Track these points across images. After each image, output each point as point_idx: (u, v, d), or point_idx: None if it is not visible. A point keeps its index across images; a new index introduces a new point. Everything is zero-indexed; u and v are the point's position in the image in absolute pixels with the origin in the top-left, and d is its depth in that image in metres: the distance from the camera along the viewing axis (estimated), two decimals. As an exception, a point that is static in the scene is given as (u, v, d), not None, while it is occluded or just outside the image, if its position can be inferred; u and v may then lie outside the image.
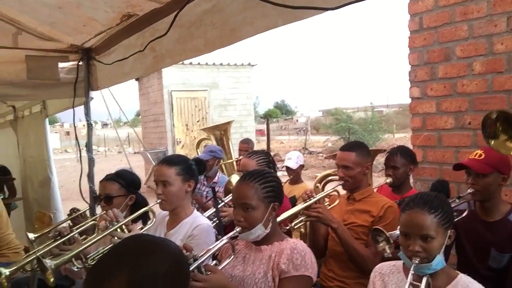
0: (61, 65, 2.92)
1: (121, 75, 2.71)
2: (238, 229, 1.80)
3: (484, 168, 2.13)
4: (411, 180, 3.21)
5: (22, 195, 5.26)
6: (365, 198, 2.48)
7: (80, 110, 3.20)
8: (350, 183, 2.47)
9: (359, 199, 2.48)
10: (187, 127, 11.84)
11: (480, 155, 2.17)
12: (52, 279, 1.80)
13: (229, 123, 5.59)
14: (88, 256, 2.02)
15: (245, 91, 12.74)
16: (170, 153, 11.18)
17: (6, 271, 1.93)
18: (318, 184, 3.37)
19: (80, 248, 1.91)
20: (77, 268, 2.00)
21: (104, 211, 2.24)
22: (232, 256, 1.81)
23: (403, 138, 21.57)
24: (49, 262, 1.78)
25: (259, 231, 1.77)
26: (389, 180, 2.91)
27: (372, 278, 1.79)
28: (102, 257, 0.96)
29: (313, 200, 2.32)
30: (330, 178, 3.43)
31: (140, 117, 12.13)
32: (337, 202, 2.51)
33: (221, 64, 12.43)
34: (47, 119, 4.48)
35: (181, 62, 11.42)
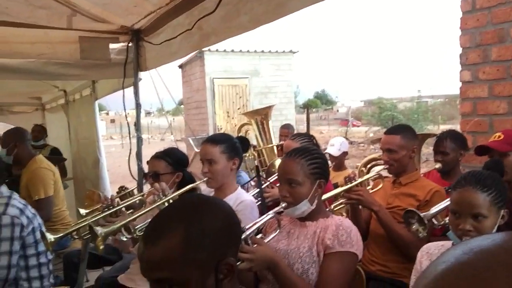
0: (111, 46, 3.03)
1: (169, 55, 2.76)
2: (283, 205, 1.82)
3: (504, 147, 2.20)
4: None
5: (73, 175, 5.52)
6: (411, 183, 2.42)
7: (126, 94, 3.28)
8: (395, 167, 2.42)
9: (405, 183, 2.42)
10: (228, 114, 11.95)
11: (499, 136, 2.28)
12: (102, 246, 1.89)
13: (269, 107, 5.57)
14: (136, 227, 2.10)
15: (286, 79, 12.65)
16: (211, 140, 11.28)
17: (51, 237, 2.05)
18: (363, 168, 3.32)
19: (130, 219, 1.99)
20: (126, 238, 2.08)
21: (152, 187, 2.30)
22: (278, 230, 1.82)
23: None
24: (99, 230, 1.87)
25: (305, 207, 1.78)
26: (438, 165, 2.81)
27: (419, 257, 1.76)
28: (160, 213, 1.01)
29: (354, 183, 2.29)
30: (375, 162, 3.37)
31: (182, 106, 12.32)
32: (380, 186, 2.47)
33: (262, 51, 12.39)
34: (96, 102, 4.64)
35: (223, 49, 11.59)
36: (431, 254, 1.73)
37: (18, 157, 3.46)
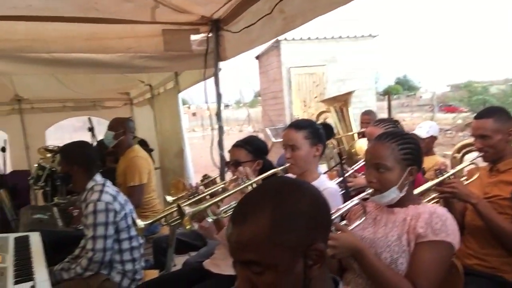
0: (193, 37, 3.11)
1: (249, 42, 2.76)
2: (370, 191, 1.72)
3: None
4: None
5: (159, 165, 5.80)
6: (511, 169, 2.17)
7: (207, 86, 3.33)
8: (491, 154, 2.19)
9: (504, 170, 2.19)
10: (304, 103, 11.82)
11: None
12: (188, 226, 1.94)
13: (349, 93, 5.38)
14: (221, 209, 2.13)
15: (365, 64, 12.17)
16: (288, 130, 11.27)
17: (141, 223, 2.14)
18: (456, 154, 3.06)
19: (215, 200, 2.02)
20: (211, 219, 2.12)
21: (234, 176, 2.32)
22: (364, 218, 1.73)
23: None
24: (187, 209, 1.91)
25: (393, 194, 1.66)
26: None
27: None
28: (248, 194, 0.98)
29: (446, 175, 2.10)
30: (469, 148, 3.10)
31: (258, 98, 12.44)
32: (476, 176, 2.25)
33: (340, 37, 12.04)
34: (179, 95, 4.81)
35: (299, 38, 11.45)
36: None
37: (120, 144, 3.73)
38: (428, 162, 3.56)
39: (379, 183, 1.67)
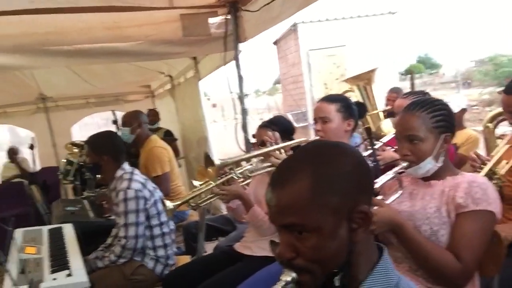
0: (211, 20, 3.07)
1: (269, 20, 2.70)
2: (404, 164, 1.66)
3: None
4: None
5: (184, 154, 5.83)
6: None
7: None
8: None
9: None
10: (326, 86, 11.66)
11: None
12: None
13: (372, 71, 5.21)
14: (248, 169, 2.15)
15: (385, 42, 11.89)
16: (309, 113, 11.18)
17: (170, 205, 2.14)
18: (489, 124, 2.93)
19: (245, 156, 2.03)
20: (237, 177, 2.12)
21: (261, 158, 2.29)
22: (400, 192, 1.68)
23: None
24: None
25: (429, 165, 1.60)
26: None
27: None
28: (287, 157, 0.95)
29: (485, 169, 1.95)
30: (502, 117, 2.96)
31: (278, 85, 12.35)
32: None
33: (358, 16, 11.78)
34: (199, 83, 4.80)
35: (317, 19, 11.24)
36: None
37: (138, 137, 3.73)
38: (461, 136, 3.44)
39: (414, 155, 1.61)
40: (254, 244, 2.42)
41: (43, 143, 6.61)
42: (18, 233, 2.81)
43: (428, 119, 1.59)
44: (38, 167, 5.69)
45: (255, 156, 2.05)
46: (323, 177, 0.86)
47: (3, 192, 5.80)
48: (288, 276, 0.88)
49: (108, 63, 4.29)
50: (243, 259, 2.43)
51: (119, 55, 3.20)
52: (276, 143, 2.12)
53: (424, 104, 1.63)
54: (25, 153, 6.60)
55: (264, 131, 2.47)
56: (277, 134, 2.16)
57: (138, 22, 2.94)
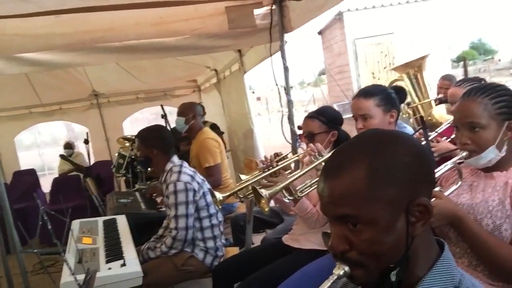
0: (256, 12, 3.05)
1: (316, 9, 2.64)
2: (463, 154, 1.55)
3: None
4: None
5: (230, 147, 5.88)
6: None
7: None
8: None
9: None
10: (373, 75, 11.33)
11: None
12: (267, 208, 1.91)
13: (423, 58, 4.97)
14: (297, 189, 2.07)
15: (435, 29, 11.35)
16: (357, 104, 10.90)
17: (220, 196, 2.14)
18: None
19: (290, 180, 1.95)
20: (288, 199, 2.08)
21: (308, 148, 2.25)
22: (460, 183, 1.58)
23: None
24: (264, 192, 1.88)
25: (492, 154, 1.49)
26: None
27: None
28: (341, 147, 0.90)
29: None
30: None
31: (323, 76, 12.17)
32: None
33: (407, 2, 11.32)
34: (245, 76, 4.80)
35: (363, 7, 10.93)
36: None
37: (192, 128, 3.83)
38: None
39: (475, 144, 1.50)
40: (303, 237, 2.39)
41: (96, 137, 6.92)
42: (75, 224, 2.95)
43: (490, 105, 1.48)
44: (92, 161, 5.95)
45: (300, 176, 2.00)
46: (380, 167, 0.81)
47: (61, 185, 6.13)
48: (341, 270, 0.84)
49: (156, 59, 4.40)
50: (291, 251, 2.41)
51: (166, 50, 3.26)
52: (321, 155, 2.04)
53: (486, 89, 1.52)
54: (80, 147, 6.94)
55: (311, 122, 2.43)
56: (319, 146, 2.09)
57: (184, 16, 2.97)
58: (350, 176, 0.81)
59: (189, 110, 3.83)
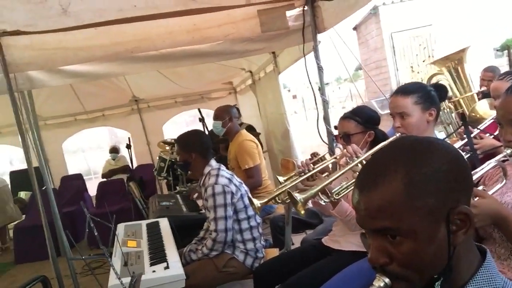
0: (288, 13, 3.05)
1: (347, 8, 2.61)
2: (508, 151, 1.50)
3: None
4: None
5: (267, 148, 5.91)
6: None
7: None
8: None
9: None
10: (412, 69, 11.01)
11: None
12: (302, 211, 1.91)
13: (463, 50, 4.78)
14: (333, 191, 2.06)
15: (476, 19, 10.87)
16: (396, 99, 10.63)
17: (258, 203, 2.16)
18: None
19: (325, 183, 1.94)
20: (324, 202, 2.07)
21: (344, 149, 2.23)
22: (504, 181, 1.53)
23: None
24: (298, 196, 1.87)
25: (537, 152, 1.43)
26: None
27: None
28: (375, 156, 0.89)
29: None
30: None
31: (359, 71, 11.94)
32: None
33: (444, -8, 10.94)
34: (279, 77, 4.81)
35: (399, 0, 10.64)
36: None
37: (229, 130, 3.90)
38: None
39: None
40: (343, 239, 2.37)
41: (138, 142, 7.15)
42: (120, 228, 3.07)
43: None
44: (135, 165, 6.15)
45: (336, 178, 1.98)
46: (417, 177, 0.79)
47: (106, 189, 6.38)
48: (381, 282, 0.83)
49: (191, 65, 4.48)
50: (332, 253, 2.40)
51: (200, 57, 3.32)
52: (357, 156, 2.02)
53: None
54: (123, 151, 7.19)
55: (346, 122, 2.40)
56: (355, 147, 2.06)
57: (216, 22, 3.02)
58: (386, 188, 0.80)
59: (225, 113, 3.88)
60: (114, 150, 7.25)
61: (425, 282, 0.82)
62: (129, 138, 5.59)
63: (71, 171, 7.77)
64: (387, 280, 0.83)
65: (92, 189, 7.25)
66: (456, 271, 0.83)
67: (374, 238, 0.84)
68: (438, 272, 0.81)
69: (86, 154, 14.66)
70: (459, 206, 0.81)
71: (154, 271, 2.19)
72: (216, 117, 3.93)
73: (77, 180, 6.96)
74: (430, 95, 2.04)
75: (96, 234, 1.76)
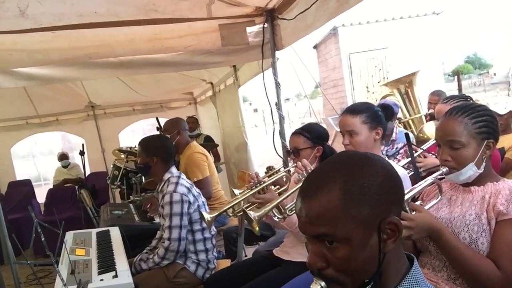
0: (248, 29, 3.13)
1: (304, 28, 2.72)
2: (444, 170, 1.62)
3: None
4: None
5: (224, 160, 5.94)
6: None
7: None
8: None
9: None
10: (367, 89, 11.44)
11: None
12: (257, 228, 1.96)
13: (413, 74, 5.09)
14: (286, 207, 2.13)
15: (430, 44, 11.49)
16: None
17: (208, 216, 2.20)
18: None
19: (278, 200, 2.01)
20: (278, 218, 2.14)
21: (295, 164, 2.31)
22: (440, 197, 1.64)
23: None
24: (252, 214, 1.93)
25: (470, 171, 1.56)
26: None
27: None
28: (317, 168, 0.96)
29: None
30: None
31: (318, 88, 12.29)
32: None
33: (401, 18, 11.46)
34: (239, 90, 4.88)
35: (358, 22, 11.07)
36: None
37: (178, 144, 3.86)
38: (508, 140, 3.30)
39: (455, 161, 1.57)
40: (293, 250, 2.44)
41: (92, 149, 6.96)
42: (69, 236, 2.98)
43: (470, 125, 1.55)
44: (88, 172, 5.98)
45: (289, 195, 2.07)
46: (354, 188, 0.86)
47: (55, 196, 6.15)
48: (318, 285, 0.89)
49: (150, 74, 4.47)
50: (282, 264, 2.45)
51: (160, 66, 3.33)
52: (307, 171, 2.13)
53: (467, 109, 1.59)
54: (76, 158, 6.97)
55: (296, 137, 2.49)
56: (305, 162, 2.18)
57: (177, 33, 3.05)
58: (325, 197, 0.87)
59: (173, 127, 3.85)
60: (64, 157, 6.99)
61: (357, 286, 0.89)
62: (83, 144, 5.43)
63: (20, 176, 7.45)
64: (323, 283, 0.89)
65: (41, 195, 6.97)
66: (385, 277, 0.90)
67: (313, 244, 0.90)
68: (369, 277, 0.88)
69: (37, 160, 14.06)
70: (390, 216, 0.89)
71: (102, 280, 2.15)
72: (165, 131, 3.91)
73: (25, 186, 6.67)
74: (377, 115, 2.16)
75: (43, 239, 1.73)
